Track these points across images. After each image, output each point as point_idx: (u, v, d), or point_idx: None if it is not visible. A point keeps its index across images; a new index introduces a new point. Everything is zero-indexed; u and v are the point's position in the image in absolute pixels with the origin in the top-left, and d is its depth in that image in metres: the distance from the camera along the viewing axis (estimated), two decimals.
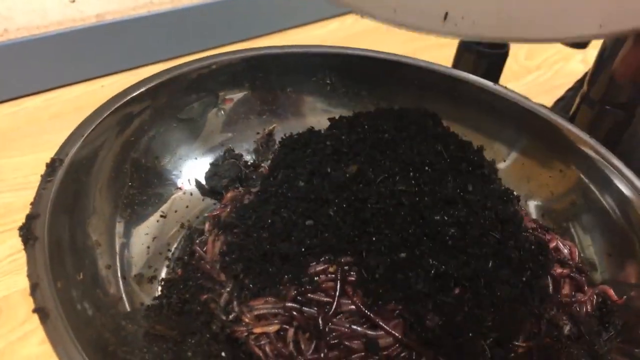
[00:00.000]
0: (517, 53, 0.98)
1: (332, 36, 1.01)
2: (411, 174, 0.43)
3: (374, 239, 0.41)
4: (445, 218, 0.41)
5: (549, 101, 0.75)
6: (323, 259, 0.41)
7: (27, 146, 0.70)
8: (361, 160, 0.43)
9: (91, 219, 0.44)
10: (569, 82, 0.77)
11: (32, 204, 0.40)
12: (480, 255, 0.40)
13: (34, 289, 0.35)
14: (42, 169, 0.42)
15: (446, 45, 0.76)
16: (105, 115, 0.47)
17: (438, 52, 0.69)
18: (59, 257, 0.38)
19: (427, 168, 0.43)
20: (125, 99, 0.49)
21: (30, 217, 0.39)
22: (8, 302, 0.54)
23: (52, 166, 0.42)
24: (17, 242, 0.37)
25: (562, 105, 0.75)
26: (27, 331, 0.52)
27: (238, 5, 0.90)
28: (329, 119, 0.50)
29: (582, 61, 1.02)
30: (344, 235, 0.41)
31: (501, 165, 0.54)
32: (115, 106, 0.48)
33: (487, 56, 0.72)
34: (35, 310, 0.34)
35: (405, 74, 0.60)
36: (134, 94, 0.49)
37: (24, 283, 0.35)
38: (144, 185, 0.50)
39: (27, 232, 0.38)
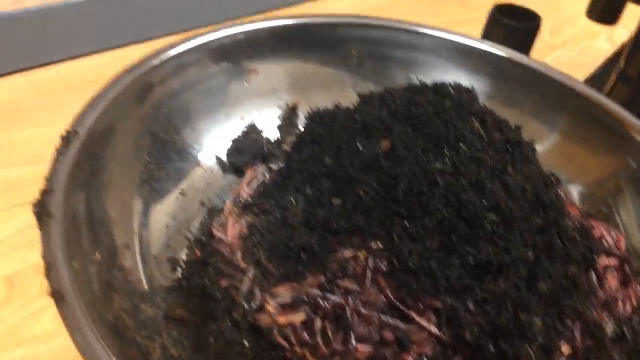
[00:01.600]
0: (543, 30, 0.96)
1: (355, 8, 0.98)
2: (446, 151, 0.40)
3: (406, 223, 0.38)
4: (484, 202, 0.38)
5: None
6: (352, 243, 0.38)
7: (41, 119, 0.68)
8: (393, 136, 0.40)
9: (109, 195, 0.42)
10: (594, 61, 0.76)
11: (46, 178, 0.37)
12: (521, 244, 0.37)
13: (49, 269, 0.33)
14: (56, 142, 0.40)
15: (474, 20, 0.74)
16: (124, 85, 0.45)
17: (466, 27, 0.66)
18: (75, 236, 0.36)
19: (462, 146, 0.40)
20: (145, 69, 0.46)
21: (44, 193, 0.36)
22: (21, 277, 0.53)
23: (67, 139, 0.40)
24: (29, 217, 0.35)
25: (591, 85, 0.73)
26: (40, 307, 0.51)
27: None
28: (359, 95, 0.47)
29: (607, 40, 1.01)
30: (374, 217, 0.38)
31: (540, 147, 0.51)
32: (135, 76, 0.46)
33: (517, 30, 0.69)
34: (50, 294, 0.32)
35: (437, 46, 0.57)
36: (154, 64, 0.47)
37: (37, 258, 0.33)
38: (163, 160, 0.48)
39: (41, 209, 0.35)
